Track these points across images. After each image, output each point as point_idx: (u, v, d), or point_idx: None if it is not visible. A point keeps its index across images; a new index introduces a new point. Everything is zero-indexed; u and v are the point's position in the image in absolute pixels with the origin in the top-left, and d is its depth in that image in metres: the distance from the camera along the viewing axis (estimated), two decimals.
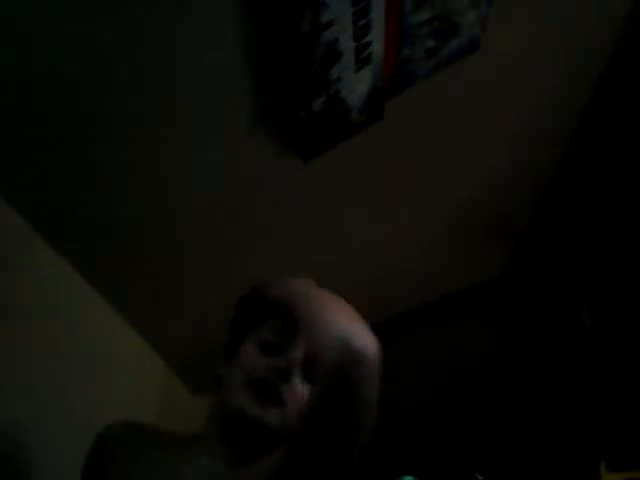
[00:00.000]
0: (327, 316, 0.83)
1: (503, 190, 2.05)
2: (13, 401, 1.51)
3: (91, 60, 1.33)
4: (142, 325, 2.11)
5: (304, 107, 1.51)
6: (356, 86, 1.51)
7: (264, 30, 1.36)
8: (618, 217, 2.00)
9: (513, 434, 2.33)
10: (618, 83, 1.74)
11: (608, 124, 1.85)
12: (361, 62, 1.45)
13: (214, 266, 1.93)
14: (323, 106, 1.52)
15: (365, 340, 0.78)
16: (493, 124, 1.80)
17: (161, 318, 2.10)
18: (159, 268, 1.90)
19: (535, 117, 1.81)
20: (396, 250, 2.16)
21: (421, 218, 2.08)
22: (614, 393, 1.90)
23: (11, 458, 1.45)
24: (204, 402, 2.53)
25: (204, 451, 0.84)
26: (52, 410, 1.65)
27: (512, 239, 2.33)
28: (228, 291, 2.18)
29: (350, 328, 0.79)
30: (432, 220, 2.10)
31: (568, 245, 2.21)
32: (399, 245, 2.15)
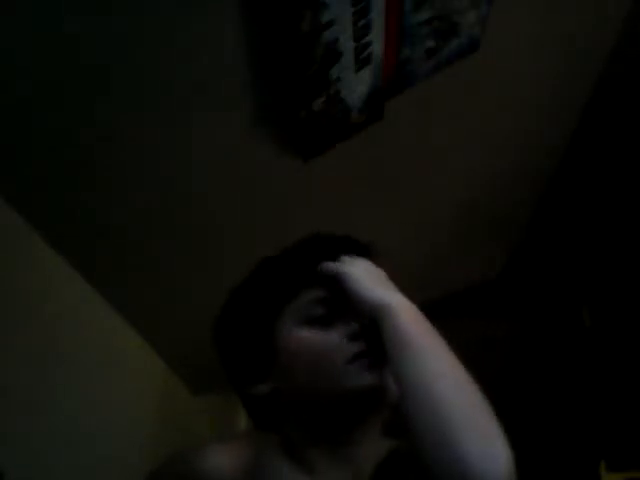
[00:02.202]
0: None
1: (503, 190, 2.05)
2: (13, 401, 1.51)
3: (91, 60, 1.33)
4: (142, 325, 2.11)
5: (304, 107, 1.51)
6: (356, 86, 1.51)
7: (264, 30, 1.36)
8: (618, 217, 2.00)
9: (513, 434, 2.33)
10: (618, 83, 1.74)
11: (608, 124, 1.85)
12: (361, 62, 1.45)
13: (214, 266, 1.92)
14: (323, 106, 1.52)
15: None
16: (493, 124, 1.80)
17: (161, 318, 2.10)
18: (159, 268, 1.90)
19: (535, 117, 1.81)
20: (396, 250, 2.16)
21: (421, 218, 2.08)
22: (614, 393, 1.90)
23: (12, 457, 1.45)
24: (204, 402, 2.53)
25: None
26: (52, 410, 1.65)
27: (512, 239, 2.33)
28: (228, 291, 2.18)
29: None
30: (432, 220, 2.10)
31: (568, 245, 2.21)
32: (399, 245, 2.14)
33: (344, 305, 0.76)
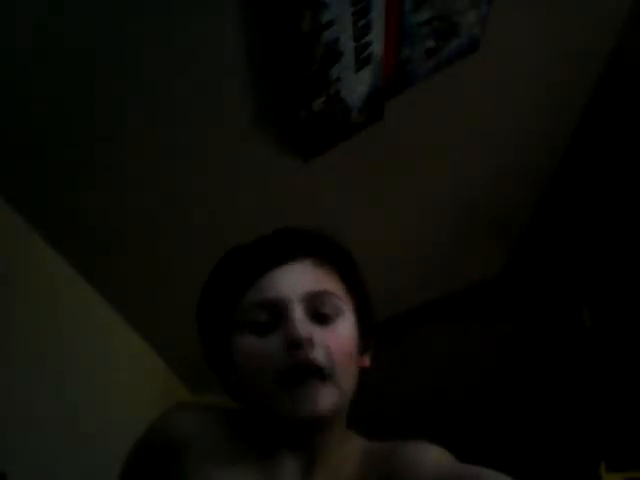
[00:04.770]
0: None
1: (503, 190, 2.05)
2: (14, 401, 1.51)
3: (91, 60, 1.33)
4: (142, 325, 2.11)
5: (304, 107, 1.51)
6: (356, 86, 1.51)
7: (264, 30, 1.36)
8: (618, 217, 2.00)
9: (513, 434, 2.33)
10: (618, 83, 1.74)
11: (608, 124, 1.85)
12: (361, 62, 1.45)
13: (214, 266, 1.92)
14: (323, 106, 1.52)
15: None
16: (493, 124, 1.80)
17: (161, 318, 2.10)
18: (159, 268, 1.90)
19: (535, 117, 1.81)
20: (396, 250, 2.16)
21: (421, 218, 2.08)
22: (614, 393, 1.90)
23: (13, 458, 1.45)
24: (204, 402, 2.53)
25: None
26: (52, 410, 1.65)
27: (512, 239, 2.33)
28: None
29: None
30: (432, 220, 2.10)
31: (568, 245, 2.21)
32: (399, 245, 2.15)
33: (287, 308, 0.70)
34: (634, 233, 1.92)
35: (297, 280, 0.73)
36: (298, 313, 0.70)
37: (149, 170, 1.62)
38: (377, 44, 1.42)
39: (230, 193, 1.75)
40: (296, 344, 0.67)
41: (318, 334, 0.69)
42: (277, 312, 0.71)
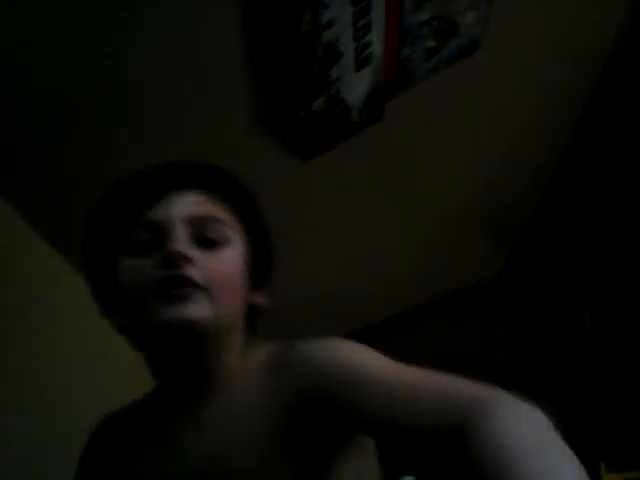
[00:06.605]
0: None
1: (502, 190, 2.05)
2: (14, 402, 1.51)
3: (91, 61, 1.33)
4: None
5: (304, 107, 1.51)
6: (356, 86, 1.51)
7: (264, 30, 1.36)
8: (618, 218, 2.00)
9: None
10: (618, 83, 1.74)
11: (608, 124, 1.85)
12: (361, 62, 1.45)
13: None
14: (323, 106, 1.52)
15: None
16: (493, 124, 1.80)
17: None
18: None
19: (535, 117, 1.81)
20: (396, 250, 2.16)
21: (421, 218, 2.08)
22: (614, 393, 1.90)
23: (13, 459, 1.45)
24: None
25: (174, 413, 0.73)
26: (53, 410, 1.65)
27: (512, 239, 2.33)
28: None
29: None
30: (432, 220, 2.10)
31: (568, 246, 2.21)
32: (399, 245, 2.15)
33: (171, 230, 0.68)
34: (634, 234, 1.92)
35: (185, 205, 0.71)
36: (180, 233, 0.69)
37: None
38: (377, 44, 1.42)
39: None
40: (172, 258, 0.66)
41: (199, 256, 0.68)
42: (160, 233, 0.69)
